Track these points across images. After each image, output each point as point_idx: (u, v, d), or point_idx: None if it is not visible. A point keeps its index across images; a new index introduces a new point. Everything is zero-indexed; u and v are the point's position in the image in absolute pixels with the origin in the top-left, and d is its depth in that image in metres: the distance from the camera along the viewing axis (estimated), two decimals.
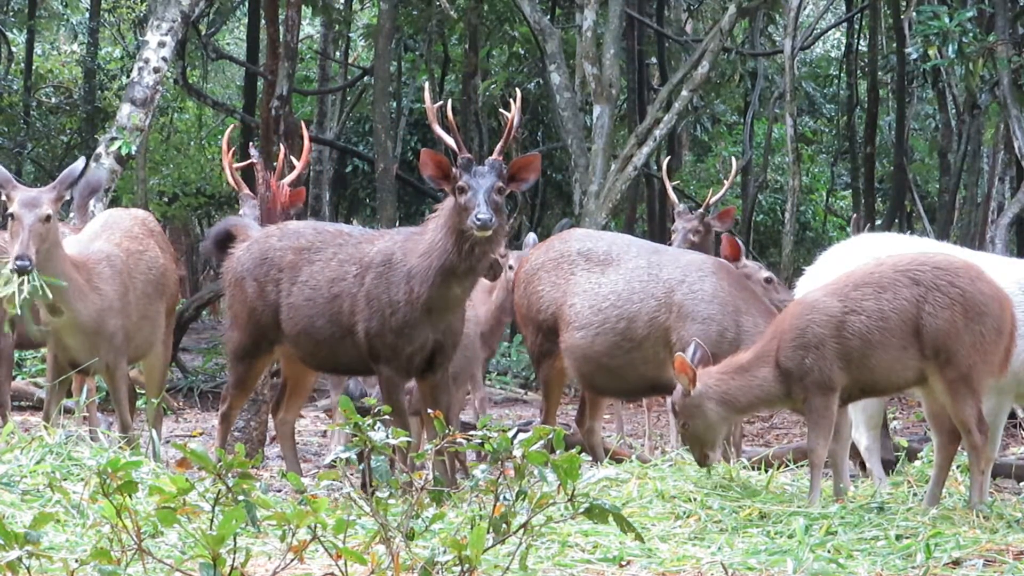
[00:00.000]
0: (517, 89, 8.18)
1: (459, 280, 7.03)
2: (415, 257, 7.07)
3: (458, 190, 6.89)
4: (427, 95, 7.25)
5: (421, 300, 7.05)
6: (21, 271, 6.85)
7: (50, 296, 7.01)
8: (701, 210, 10.52)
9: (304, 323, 7.36)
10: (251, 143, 12.30)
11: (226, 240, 7.82)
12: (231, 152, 9.03)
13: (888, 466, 7.93)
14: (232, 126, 10.15)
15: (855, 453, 7.89)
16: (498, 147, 6.98)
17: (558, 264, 8.10)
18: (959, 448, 6.65)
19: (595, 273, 7.98)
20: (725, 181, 11.69)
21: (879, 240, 7.77)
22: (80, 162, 7.39)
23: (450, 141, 7.08)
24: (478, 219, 6.76)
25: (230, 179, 8.81)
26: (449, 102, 7.32)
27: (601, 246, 8.12)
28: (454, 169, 6.94)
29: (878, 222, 19.50)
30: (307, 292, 7.36)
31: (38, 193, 7.10)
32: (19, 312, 6.98)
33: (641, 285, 7.83)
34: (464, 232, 6.86)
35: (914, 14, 14.38)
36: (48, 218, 7.00)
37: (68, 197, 7.28)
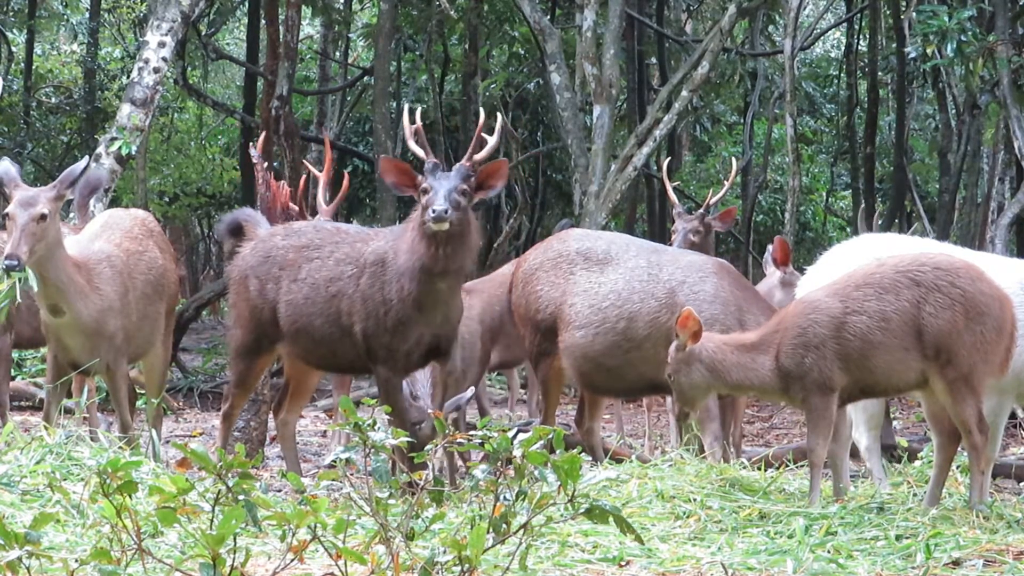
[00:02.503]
0: (499, 113, 8.27)
1: (439, 278, 7.07)
2: (403, 255, 7.12)
3: (422, 192, 6.97)
4: (406, 117, 7.32)
5: (412, 297, 7.10)
6: (8, 269, 6.85)
7: (34, 287, 6.99)
8: (701, 210, 10.52)
9: (303, 321, 7.39)
10: (251, 143, 12.29)
11: (237, 231, 7.88)
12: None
13: (889, 450, 7.92)
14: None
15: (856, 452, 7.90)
16: (467, 155, 7.05)
17: (557, 264, 8.10)
18: (959, 448, 6.65)
19: (594, 273, 7.98)
20: (725, 181, 11.68)
21: (880, 240, 7.76)
22: (82, 162, 7.38)
23: (420, 151, 7.15)
24: (432, 210, 6.81)
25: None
26: (418, 110, 7.37)
27: (600, 245, 8.12)
28: (419, 176, 6.98)
29: (878, 222, 19.48)
30: (305, 291, 7.39)
31: (36, 192, 7.09)
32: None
33: (641, 285, 7.83)
34: (427, 230, 6.91)
35: (914, 14, 14.38)
36: (43, 217, 6.97)
37: (69, 197, 7.28)
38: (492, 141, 7.20)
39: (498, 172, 7.09)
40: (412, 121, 7.23)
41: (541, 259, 8.19)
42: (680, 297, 7.67)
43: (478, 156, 7.08)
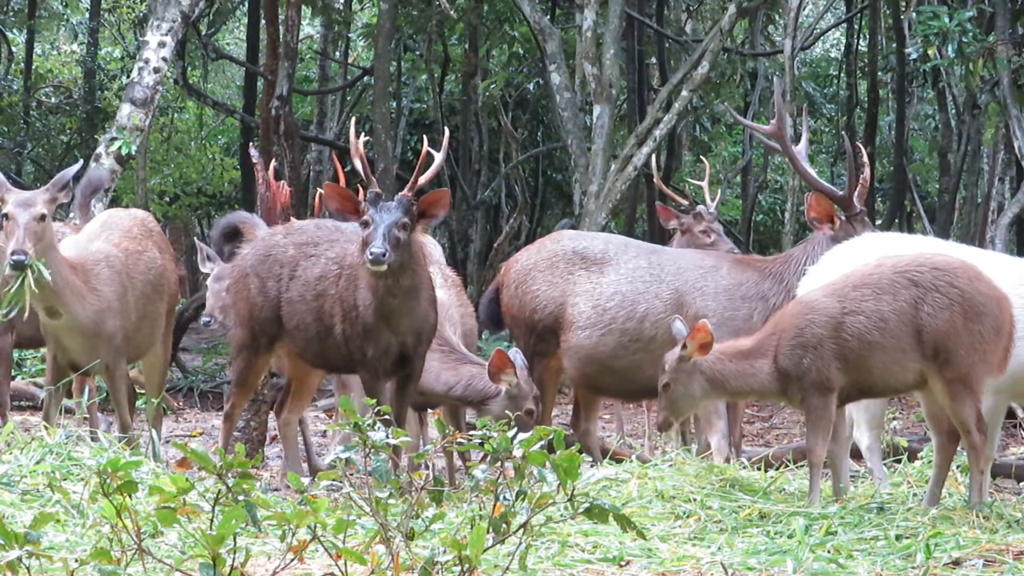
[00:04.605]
0: (447, 128, 8.31)
1: (390, 297, 7.07)
2: (362, 269, 7.13)
3: (363, 224, 6.95)
4: (352, 132, 7.32)
5: (373, 307, 7.10)
6: (17, 265, 6.92)
7: (47, 277, 7.03)
8: (712, 209, 10.62)
9: (297, 319, 7.42)
10: (251, 143, 12.30)
11: (233, 234, 7.89)
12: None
13: None
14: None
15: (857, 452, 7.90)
16: (409, 184, 7.05)
17: (553, 264, 8.10)
18: (959, 448, 6.65)
19: (594, 273, 7.98)
20: (700, 182, 11.75)
21: (880, 240, 7.76)
22: (76, 165, 7.49)
23: (359, 165, 7.17)
24: (370, 253, 6.82)
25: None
26: (361, 140, 7.34)
27: (596, 245, 8.13)
28: (362, 203, 6.98)
29: (878, 222, 19.48)
30: (300, 288, 7.41)
31: (33, 193, 7.21)
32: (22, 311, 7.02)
33: (645, 286, 7.85)
34: (367, 268, 6.93)
35: (914, 14, 14.37)
36: (43, 217, 7.06)
37: (62, 200, 7.33)
38: (438, 158, 7.20)
39: (439, 202, 7.07)
40: (358, 134, 7.26)
41: (535, 259, 8.18)
42: (689, 297, 7.69)
43: (423, 178, 7.08)
